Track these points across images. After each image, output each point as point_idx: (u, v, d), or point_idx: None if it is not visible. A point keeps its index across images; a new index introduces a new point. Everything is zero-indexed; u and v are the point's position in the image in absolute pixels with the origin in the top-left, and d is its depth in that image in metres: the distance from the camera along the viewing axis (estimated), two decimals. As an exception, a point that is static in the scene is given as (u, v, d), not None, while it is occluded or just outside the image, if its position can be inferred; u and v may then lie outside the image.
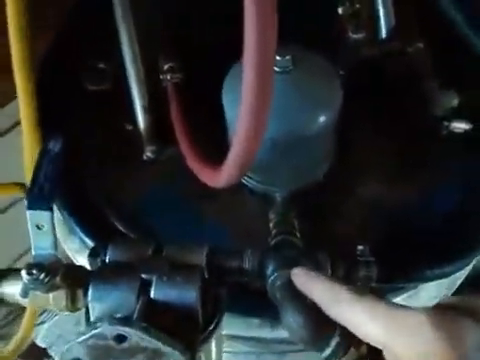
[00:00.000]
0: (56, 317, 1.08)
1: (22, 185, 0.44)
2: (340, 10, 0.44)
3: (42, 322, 1.09)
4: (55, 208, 0.37)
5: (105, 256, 0.30)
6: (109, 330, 0.23)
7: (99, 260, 0.30)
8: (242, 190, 0.45)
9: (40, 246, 0.26)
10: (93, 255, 0.30)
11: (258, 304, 0.38)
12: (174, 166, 0.46)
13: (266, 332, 0.40)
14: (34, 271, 0.25)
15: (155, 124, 0.48)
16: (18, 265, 0.86)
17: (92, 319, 0.27)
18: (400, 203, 0.43)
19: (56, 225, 0.27)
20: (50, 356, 1.10)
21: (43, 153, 0.27)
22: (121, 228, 0.44)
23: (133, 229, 0.44)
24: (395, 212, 0.43)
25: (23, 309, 1.10)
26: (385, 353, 0.24)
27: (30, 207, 0.25)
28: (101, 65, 0.54)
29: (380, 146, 0.45)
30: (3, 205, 0.75)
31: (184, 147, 0.43)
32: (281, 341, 0.41)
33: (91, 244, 0.42)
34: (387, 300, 0.25)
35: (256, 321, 0.40)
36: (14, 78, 0.38)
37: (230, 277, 0.31)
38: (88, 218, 0.43)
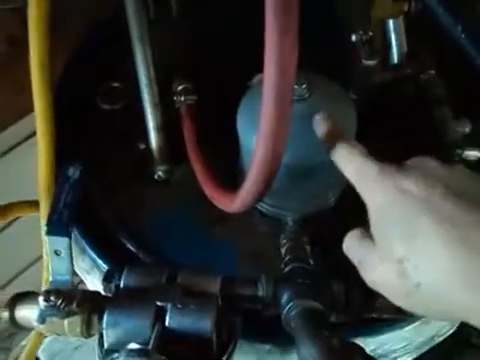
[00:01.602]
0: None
1: (35, 203, 0.44)
2: (353, 37, 0.44)
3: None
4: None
5: (119, 281, 0.30)
6: (126, 362, 0.23)
7: (113, 285, 0.30)
8: (254, 213, 0.45)
9: (57, 272, 0.26)
10: (108, 279, 0.30)
11: (268, 330, 0.38)
12: (186, 187, 0.46)
13: (276, 359, 0.40)
14: (52, 297, 0.25)
15: (167, 144, 0.49)
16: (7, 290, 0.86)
17: (106, 345, 0.27)
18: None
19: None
20: (50, 371, 1.09)
21: (63, 180, 0.27)
22: (132, 248, 0.44)
23: (144, 250, 0.44)
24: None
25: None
26: None
27: (49, 233, 0.26)
28: (116, 85, 0.55)
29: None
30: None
31: (198, 170, 0.43)
32: (291, 368, 0.41)
33: (102, 264, 0.42)
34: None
35: (266, 347, 0.39)
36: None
37: (244, 304, 0.31)
38: (100, 238, 0.43)
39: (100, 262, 0.42)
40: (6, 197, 0.49)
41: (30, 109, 0.59)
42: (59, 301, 0.25)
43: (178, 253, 0.43)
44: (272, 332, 0.37)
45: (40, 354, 1.04)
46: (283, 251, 0.38)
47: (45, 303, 0.25)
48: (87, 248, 0.43)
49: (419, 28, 0.44)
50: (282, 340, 0.38)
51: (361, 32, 0.44)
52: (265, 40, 0.23)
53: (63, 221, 0.26)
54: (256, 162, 0.28)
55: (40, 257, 0.85)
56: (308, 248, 0.38)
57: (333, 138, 0.31)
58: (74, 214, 0.26)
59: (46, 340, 1.05)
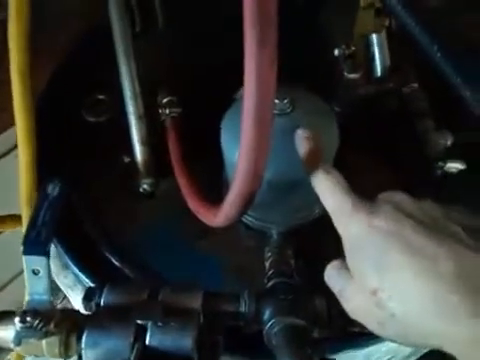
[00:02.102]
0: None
1: (17, 217, 0.43)
2: (336, 52, 0.45)
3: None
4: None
5: (100, 299, 0.29)
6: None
7: (94, 303, 0.29)
8: (239, 226, 0.45)
9: (35, 291, 0.26)
10: (88, 298, 0.30)
11: (250, 346, 0.37)
12: (171, 200, 0.46)
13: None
14: (28, 318, 0.24)
15: (152, 157, 0.48)
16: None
17: (85, 366, 0.26)
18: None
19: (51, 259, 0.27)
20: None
21: (42, 197, 0.27)
22: (116, 263, 0.44)
23: (128, 264, 0.43)
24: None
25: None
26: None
27: (27, 252, 0.25)
28: (101, 97, 0.55)
29: (375, 183, 0.45)
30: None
31: (182, 184, 0.43)
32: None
33: (85, 280, 0.41)
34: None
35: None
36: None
37: (226, 321, 0.31)
38: (83, 254, 0.43)
39: (83, 277, 0.41)
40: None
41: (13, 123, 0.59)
42: (36, 321, 0.24)
43: (163, 267, 0.43)
44: (254, 348, 0.37)
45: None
46: (267, 265, 0.38)
47: (21, 324, 0.24)
48: (70, 264, 0.42)
49: (401, 42, 0.45)
50: (264, 356, 0.38)
51: (344, 46, 0.44)
52: (245, 55, 0.23)
53: (41, 240, 0.25)
54: (238, 176, 0.28)
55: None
56: (292, 262, 0.38)
57: (314, 159, 0.32)
58: (52, 232, 0.26)
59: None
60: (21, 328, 0.24)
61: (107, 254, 0.44)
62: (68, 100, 0.54)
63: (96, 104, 0.55)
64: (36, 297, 0.26)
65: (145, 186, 0.48)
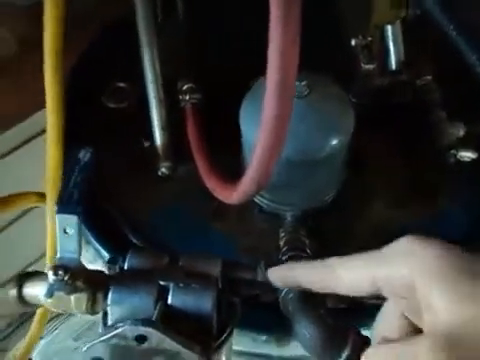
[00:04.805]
0: (55, 332, 1.08)
1: (42, 195, 0.45)
2: (353, 42, 0.46)
3: (41, 338, 1.09)
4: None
5: (123, 263, 0.31)
6: (131, 330, 0.24)
7: (117, 267, 0.31)
8: (253, 209, 0.46)
9: (65, 249, 0.27)
10: (112, 262, 0.31)
11: (265, 320, 0.39)
12: (187, 183, 0.48)
13: (272, 349, 0.41)
14: (60, 272, 0.26)
15: (171, 142, 0.50)
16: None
17: (110, 322, 0.28)
18: (408, 228, 0.44)
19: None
20: (47, 372, 1.09)
21: (73, 161, 0.28)
22: (135, 241, 0.45)
23: (146, 242, 0.45)
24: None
25: (22, 323, 1.09)
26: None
27: (59, 211, 0.27)
28: (122, 84, 0.57)
29: (390, 172, 0.47)
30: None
31: (200, 164, 0.44)
32: (287, 359, 0.41)
33: (105, 254, 0.43)
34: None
35: (263, 337, 0.40)
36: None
37: (243, 289, 0.32)
38: (103, 231, 0.44)
39: (103, 252, 0.43)
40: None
41: (34, 109, 0.61)
42: (66, 276, 0.26)
43: (178, 246, 0.44)
44: (268, 323, 0.38)
45: (35, 357, 1.04)
46: (282, 243, 0.39)
47: (54, 277, 0.26)
48: (91, 239, 0.44)
49: (416, 34, 0.46)
50: (278, 331, 0.39)
51: (360, 37, 0.45)
52: (269, 32, 0.25)
53: (73, 200, 0.27)
54: (258, 150, 0.30)
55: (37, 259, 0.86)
56: (306, 241, 0.39)
57: None
58: (83, 195, 0.28)
59: (41, 342, 1.05)
60: (53, 281, 0.26)
61: (126, 232, 0.46)
62: (89, 87, 0.56)
63: (116, 91, 0.56)
64: (66, 255, 0.27)
65: (163, 169, 0.50)
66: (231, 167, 0.46)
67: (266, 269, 0.31)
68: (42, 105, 0.58)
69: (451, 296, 0.21)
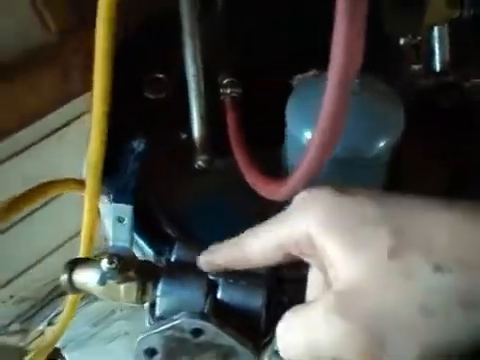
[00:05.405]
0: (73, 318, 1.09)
1: (81, 182, 0.46)
2: (402, 41, 0.45)
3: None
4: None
5: (170, 255, 0.31)
6: (188, 323, 0.24)
7: (164, 258, 0.31)
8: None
9: (118, 238, 0.27)
10: (159, 253, 0.31)
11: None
12: (223, 177, 0.48)
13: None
14: (115, 260, 0.26)
15: (209, 135, 0.50)
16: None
17: (158, 313, 0.28)
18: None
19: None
20: (63, 357, 1.11)
21: (128, 151, 0.28)
22: (170, 233, 0.45)
23: (181, 235, 0.45)
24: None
25: (43, 307, 1.11)
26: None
27: (115, 200, 0.27)
28: (160, 76, 0.57)
29: (432, 174, 0.46)
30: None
31: (240, 159, 0.44)
32: None
33: (146, 247, 0.43)
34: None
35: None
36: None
37: (290, 286, 0.31)
38: (141, 222, 0.44)
39: (141, 243, 0.43)
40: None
41: (73, 96, 0.61)
42: (120, 265, 0.26)
43: (213, 240, 0.44)
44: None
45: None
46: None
47: (108, 265, 0.26)
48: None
49: (467, 35, 0.45)
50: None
51: (410, 36, 0.44)
52: (334, 26, 0.24)
53: (128, 190, 0.27)
54: (313, 144, 0.29)
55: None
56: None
57: None
58: (137, 184, 0.28)
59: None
60: (107, 269, 0.26)
61: (164, 226, 0.46)
62: (128, 77, 0.56)
63: (155, 82, 0.56)
64: (119, 244, 0.27)
65: (200, 162, 0.50)
66: (267, 163, 0.46)
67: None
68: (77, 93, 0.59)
69: (344, 245, 0.20)
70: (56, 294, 1.10)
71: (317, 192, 0.24)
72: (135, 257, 0.28)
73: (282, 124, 0.41)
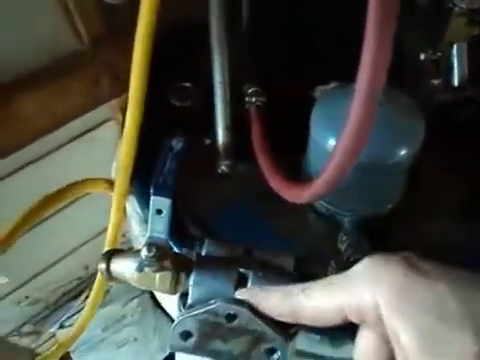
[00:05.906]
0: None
1: (110, 182, 0.48)
2: (422, 56, 0.47)
3: (70, 325, 1.12)
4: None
5: (201, 250, 0.32)
6: (223, 308, 0.26)
7: (195, 252, 0.33)
8: (310, 212, 0.47)
9: (156, 229, 0.29)
10: (190, 247, 0.33)
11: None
12: (246, 182, 0.49)
13: (326, 350, 0.41)
14: (153, 249, 0.27)
15: (233, 141, 0.52)
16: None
17: (190, 302, 0.29)
18: (467, 244, 0.44)
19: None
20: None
21: (167, 149, 0.30)
22: (195, 234, 0.47)
23: (204, 235, 0.47)
24: (459, 254, 0.44)
25: (56, 309, 1.12)
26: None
27: (155, 193, 0.29)
28: (187, 84, 0.59)
29: (450, 187, 0.47)
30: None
31: (264, 164, 0.46)
32: (339, 360, 0.42)
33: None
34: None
35: (317, 337, 0.41)
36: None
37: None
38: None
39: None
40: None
41: (100, 103, 0.63)
42: (158, 254, 0.28)
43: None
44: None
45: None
46: (344, 246, 0.40)
47: (147, 253, 0.27)
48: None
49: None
50: (333, 332, 0.40)
51: (430, 51, 0.46)
52: (364, 40, 0.26)
53: (167, 184, 0.29)
54: (339, 151, 0.31)
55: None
56: (368, 246, 0.40)
57: None
58: (175, 180, 0.29)
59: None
60: (145, 257, 0.27)
61: (186, 224, 0.47)
62: (155, 84, 0.58)
63: (182, 90, 0.59)
64: (156, 235, 0.29)
65: (223, 167, 0.51)
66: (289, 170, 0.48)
67: (336, 268, 0.32)
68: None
69: (423, 346, 0.19)
70: (68, 297, 1.12)
71: (386, 265, 0.23)
72: (171, 248, 0.30)
73: (297, 132, 0.43)
